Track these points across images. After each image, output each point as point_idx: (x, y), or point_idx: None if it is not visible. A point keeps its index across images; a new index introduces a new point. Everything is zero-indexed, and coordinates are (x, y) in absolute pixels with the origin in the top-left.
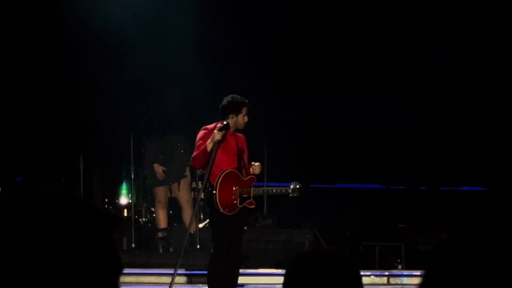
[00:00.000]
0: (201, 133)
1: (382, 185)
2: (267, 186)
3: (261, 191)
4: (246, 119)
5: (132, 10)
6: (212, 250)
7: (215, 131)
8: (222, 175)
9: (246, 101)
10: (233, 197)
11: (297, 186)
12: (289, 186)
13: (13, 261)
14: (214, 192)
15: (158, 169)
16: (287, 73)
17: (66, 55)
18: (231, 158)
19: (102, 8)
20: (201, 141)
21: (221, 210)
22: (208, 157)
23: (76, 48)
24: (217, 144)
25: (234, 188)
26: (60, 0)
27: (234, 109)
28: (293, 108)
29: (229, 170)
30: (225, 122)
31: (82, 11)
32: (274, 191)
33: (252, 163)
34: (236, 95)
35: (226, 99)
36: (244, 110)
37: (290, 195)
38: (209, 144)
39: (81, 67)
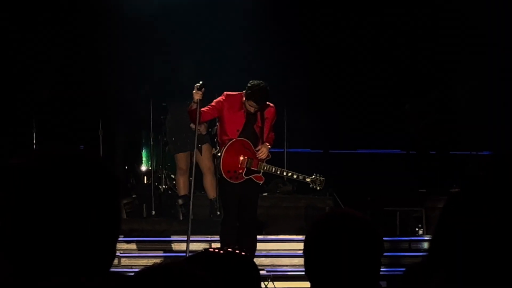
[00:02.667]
0: (220, 97)
1: (402, 150)
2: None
3: (273, 169)
4: (250, 109)
5: None
6: (222, 216)
7: (193, 91)
8: (230, 141)
9: (261, 100)
10: (239, 165)
11: (321, 178)
12: (310, 176)
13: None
14: (219, 154)
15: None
16: (308, 40)
17: (87, 22)
18: (232, 133)
19: None
20: (213, 103)
21: (223, 175)
22: (194, 116)
23: (97, 15)
24: (199, 103)
25: (242, 158)
26: None
27: (247, 93)
28: (313, 74)
29: (241, 138)
30: (200, 82)
31: None
32: (290, 174)
33: (257, 148)
34: (259, 86)
35: (250, 82)
36: (252, 102)
37: (310, 185)
38: (192, 105)
39: (101, 35)
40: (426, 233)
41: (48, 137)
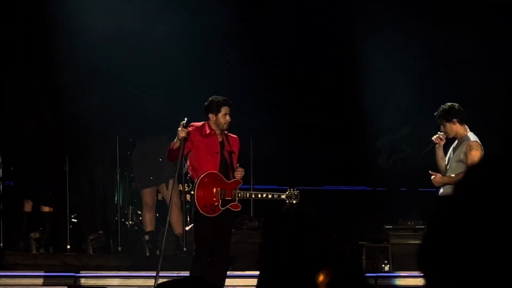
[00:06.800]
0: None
1: (368, 186)
2: (254, 190)
3: (247, 195)
4: (227, 118)
5: (116, 15)
6: (194, 252)
7: (179, 128)
8: (201, 176)
9: (228, 101)
10: (214, 198)
11: (295, 192)
12: (285, 192)
13: None
14: (192, 192)
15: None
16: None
17: (46, 58)
18: (213, 156)
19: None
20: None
21: (200, 211)
22: (177, 154)
23: (60, 48)
24: (183, 141)
25: (215, 190)
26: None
27: (213, 108)
28: (280, 110)
29: (210, 171)
30: (186, 119)
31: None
32: (265, 195)
33: (236, 166)
34: (217, 96)
35: (205, 103)
36: (224, 109)
37: (287, 201)
38: (176, 142)
39: (64, 68)
40: (392, 269)
41: (14, 171)
